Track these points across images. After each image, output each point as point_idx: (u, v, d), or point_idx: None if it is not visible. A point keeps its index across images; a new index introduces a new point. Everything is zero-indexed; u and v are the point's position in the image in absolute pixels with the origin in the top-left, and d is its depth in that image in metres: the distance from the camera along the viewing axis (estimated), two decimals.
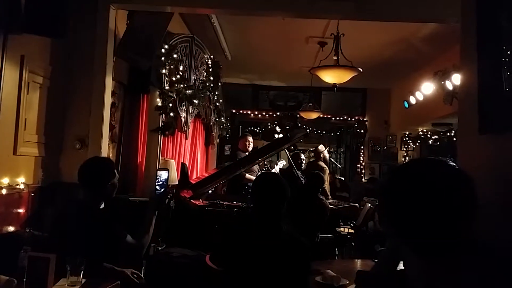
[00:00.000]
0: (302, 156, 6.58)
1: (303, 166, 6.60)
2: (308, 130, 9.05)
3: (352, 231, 5.08)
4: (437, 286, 1.07)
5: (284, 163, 7.10)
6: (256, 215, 2.17)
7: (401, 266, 1.41)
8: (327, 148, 7.19)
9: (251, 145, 6.27)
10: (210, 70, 6.03)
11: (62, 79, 3.58)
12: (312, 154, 7.09)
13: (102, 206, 2.52)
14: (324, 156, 6.76)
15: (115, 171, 2.59)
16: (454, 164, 1.14)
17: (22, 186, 3.06)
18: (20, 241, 2.52)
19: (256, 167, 6.04)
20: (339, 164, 9.83)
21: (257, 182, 2.33)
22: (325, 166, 6.54)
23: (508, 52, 1.59)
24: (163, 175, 4.24)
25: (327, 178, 6.43)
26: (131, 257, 2.54)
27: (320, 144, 7.07)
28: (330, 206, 5.23)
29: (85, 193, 2.50)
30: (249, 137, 6.33)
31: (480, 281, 1.03)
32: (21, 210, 3.09)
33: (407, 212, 1.09)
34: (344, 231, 5.01)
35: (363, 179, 9.19)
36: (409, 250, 1.15)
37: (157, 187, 4.13)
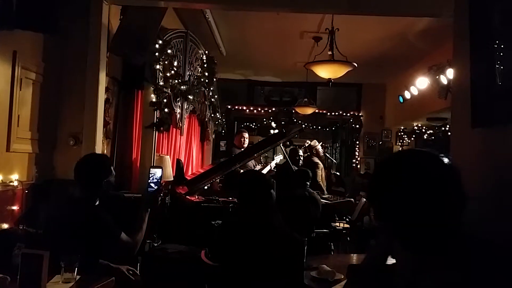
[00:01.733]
0: (300, 152, 6.57)
1: (301, 162, 6.59)
2: (303, 126, 9.04)
3: (348, 226, 5.09)
4: (424, 282, 1.06)
5: (281, 158, 7.10)
6: (245, 212, 2.18)
7: (391, 260, 1.41)
8: (321, 143, 7.18)
9: (247, 141, 6.26)
10: (205, 65, 6.01)
11: (55, 75, 3.56)
12: (306, 150, 7.08)
13: (97, 203, 2.52)
14: (318, 151, 6.75)
15: (112, 168, 2.58)
16: (442, 155, 1.11)
17: (15, 183, 3.05)
18: (13, 238, 2.52)
19: (251, 163, 6.03)
20: (335, 159, 9.84)
21: (240, 181, 2.34)
22: (318, 161, 6.52)
23: (502, 46, 1.60)
24: (157, 173, 4.21)
25: (321, 173, 6.42)
26: (124, 255, 2.53)
27: (313, 139, 7.07)
28: (325, 201, 5.24)
29: (81, 190, 2.49)
30: (244, 133, 6.32)
31: (468, 277, 1.02)
32: (14, 207, 3.07)
33: (393, 206, 1.08)
34: (339, 226, 5.01)
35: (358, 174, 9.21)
36: (398, 244, 1.14)
37: (151, 185, 4.11)
